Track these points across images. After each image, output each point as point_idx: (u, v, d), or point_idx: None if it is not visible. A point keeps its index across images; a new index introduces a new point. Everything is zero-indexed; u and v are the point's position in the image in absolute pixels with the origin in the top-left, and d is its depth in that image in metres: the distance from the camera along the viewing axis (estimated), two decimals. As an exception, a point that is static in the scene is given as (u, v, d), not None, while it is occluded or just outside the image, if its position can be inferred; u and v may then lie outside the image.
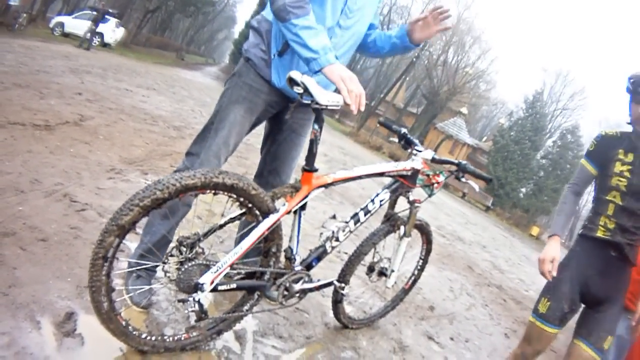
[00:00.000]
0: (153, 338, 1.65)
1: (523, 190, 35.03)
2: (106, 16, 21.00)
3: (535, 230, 28.79)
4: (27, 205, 2.37)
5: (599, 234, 2.03)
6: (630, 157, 2.01)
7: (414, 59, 36.07)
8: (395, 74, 40.23)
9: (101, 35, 20.39)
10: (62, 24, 20.29)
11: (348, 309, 2.66)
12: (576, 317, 2.14)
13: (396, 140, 2.33)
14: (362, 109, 1.72)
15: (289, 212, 1.73)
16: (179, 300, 1.58)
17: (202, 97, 11.71)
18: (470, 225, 12.75)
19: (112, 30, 21.27)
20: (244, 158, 5.82)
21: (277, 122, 2.18)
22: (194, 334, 1.78)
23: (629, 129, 2.10)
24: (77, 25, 20.32)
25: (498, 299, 5.16)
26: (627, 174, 2.01)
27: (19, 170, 2.75)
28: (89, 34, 16.58)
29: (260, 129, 2.34)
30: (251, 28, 2.01)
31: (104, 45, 20.53)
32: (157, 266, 1.96)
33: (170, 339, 1.72)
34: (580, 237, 2.15)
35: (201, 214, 3.06)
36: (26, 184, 2.62)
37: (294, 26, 1.69)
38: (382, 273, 2.46)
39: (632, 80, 2.03)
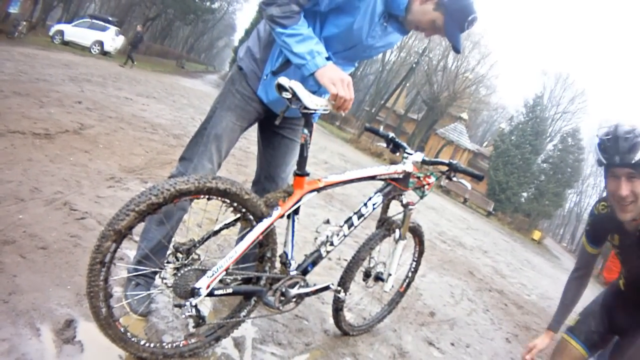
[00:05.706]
0: (152, 345, 1.65)
1: (524, 194, 35.03)
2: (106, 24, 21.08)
3: (537, 235, 28.82)
4: (27, 213, 2.38)
5: (620, 283, 1.99)
6: (616, 240, 1.86)
7: (414, 65, 36.22)
8: (396, 80, 40.31)
9: (101, 43, 20.49)
10: (62, 32, 20.40)
11: (348, 316, 2.65)
12: None
13: (384, 145, 2.35)
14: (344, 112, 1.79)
15: (282, 216, 1.74)
16: (176, 305, 1.58)
17: (202, 105, 11.74)
18: (471, 230, 12.75)
19: (111, 39, 21.36)
20: (244, 166, 5.83)
21: (271, 127, 2.18)
22: (193, 340, 1.78)
23: None
24: (77, 33, 20.44)
25: (499, 303, 5.15)
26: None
27: (19, 179, 2.77)
28: None
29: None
30: (255, 34, 2.01)
31: (104, 53, 20.62)
32: (155, 273, 1.98)
33: (169, 345, 1.72)
34: None
35: (201, 222, 3.06)
36: (26, 192, 2.63)
37: (281, 34, 1.73)
38: (378, 278, 2.46)
39: (601, 146, 1.67)
